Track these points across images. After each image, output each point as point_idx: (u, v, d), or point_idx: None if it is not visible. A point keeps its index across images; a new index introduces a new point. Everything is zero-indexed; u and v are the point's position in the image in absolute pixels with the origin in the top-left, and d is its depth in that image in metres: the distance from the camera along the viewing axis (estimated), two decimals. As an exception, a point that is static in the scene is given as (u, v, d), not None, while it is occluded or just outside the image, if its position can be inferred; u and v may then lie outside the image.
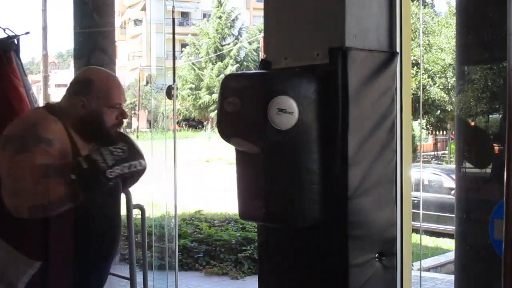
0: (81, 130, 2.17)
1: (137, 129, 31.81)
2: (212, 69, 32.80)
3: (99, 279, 2.27)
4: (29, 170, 1.88)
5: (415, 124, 17.29)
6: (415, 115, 11.56)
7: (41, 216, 1.92)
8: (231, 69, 31.50)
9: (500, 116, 3.57)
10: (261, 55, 24.73)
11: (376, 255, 2.08)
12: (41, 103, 2.89)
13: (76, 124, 2.17)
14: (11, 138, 1.99)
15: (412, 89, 2.41)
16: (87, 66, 6.68)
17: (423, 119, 19.59)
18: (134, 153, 1.91)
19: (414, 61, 15.03)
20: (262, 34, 2.26)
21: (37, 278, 2.02)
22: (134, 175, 1.99)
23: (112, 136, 2.18)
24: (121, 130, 2.25)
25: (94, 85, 2.18)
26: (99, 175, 1.83)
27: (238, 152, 2.17)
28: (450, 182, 10.94)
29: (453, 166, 12.60)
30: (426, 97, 19.20)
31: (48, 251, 2.03)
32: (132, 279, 3.16)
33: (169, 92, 4.74)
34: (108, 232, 2.22)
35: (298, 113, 1.95)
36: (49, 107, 2.24)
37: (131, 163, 1.87)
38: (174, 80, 4.79)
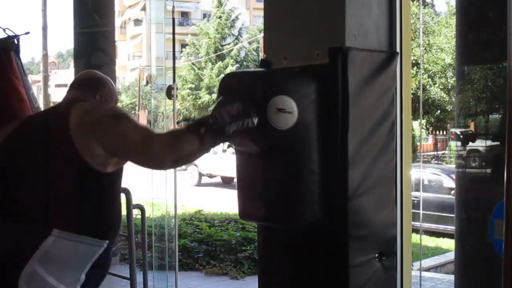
0: None
1: (137, 129, 31.65)
2: (212, 69, 32.79)
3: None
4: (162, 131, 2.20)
5: (415, 124, 17.29)
6: (415, 115, 11.56)
7: (180, 166, 2.31)
8: (231, 69, 31.49)
9: (500, 116, 3.57)
10: (261, 55, 24.73)
11: (376, 255, 2.08)
12: (41, 103, 2.90)
13: None
14: (121, 112, 2.18)
15: (412, 89, 2.41)
16: (85, 70, 6.79)
17: (423, 119, 19.59)
18: (247, 111, 2.02)
19: (414, 61, 15.03)
20: (262, 34, 2.26)
21: (102, 257, 2.18)
22: (248, 129, 2.09)
23: None
24: None
25: (105, 82, 2.41)
26: (221, 130, 2.00)
27: (238, 152, 2.17)
28: (450, 182, 10.93)
29: (453, 166, 12.60)
30: (426, 97, 19.20)
31: (110, 229, 2.24)
32: (132, 279, 3.16)
33: (169, 92, 4.74)
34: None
35: (298, 113, 1.95)
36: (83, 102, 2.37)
37: (244, 120, 2.00)
38: (174, 80, 4.79)
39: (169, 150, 2.04)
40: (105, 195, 2.19)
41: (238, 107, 2.01)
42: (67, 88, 2.43)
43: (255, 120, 2.01)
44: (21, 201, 2.15)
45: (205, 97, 32.37)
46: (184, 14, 40.81)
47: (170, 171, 4.68)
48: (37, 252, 2.05)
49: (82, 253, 2.12)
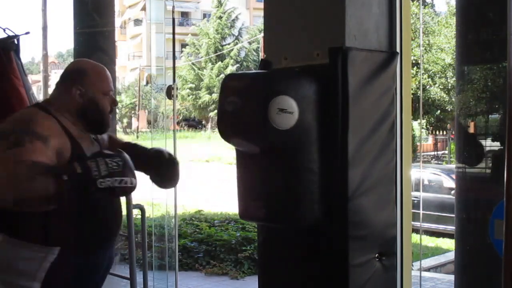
0: (79, 119, 2.22)
1: (137, 129, 31.80)
2: (212, 69, 32.80)
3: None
4: (20, 164, 1.89)
5: (415, 124, 17.28)
6: (415, 115, 11.56)
7: (26, 210, 1.98)
8: (231, 69, 31.50)
9: (500, 116, 3.57)
10: (261, 55, 24.73)
11: (376, 255, 2.08)
12: (41, 103, 2.89)
13: (74, 115, 2.21)
14: (4, 133, 1.99)
15: (412, 89, 2.41)
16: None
17: (423, 119, 19.59)
18: (127, 170, 1.94)
19: (414, 61, 15.02)
20: (262, 34, 2.26)
21: (57, 264, 2.07)
22: (123, 191, 2.01)
23: (108, 124, 2.31)
24: (119, 135, 2.30)
25: (88, 73, 2.26)
26: (90, 182, 1.86)
27: (238, 152, 2.17)
28: (450, 182, 10.94)
29: (453, 166, 12.60)
30: (426, 97, 19.19)
31: (63, 236, 2.09)
32: (132, 279, 3.16)
33: (169, 92, 4.74)
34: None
35: (298, 113, 1.95)
36: (40, 106, 2.26)
37: (122, 178, 1.89)
38: (174, 80, 4.79)
39: (14, 187, 1.87)
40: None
41: (119, 163, 1.89)
42: None
43: (134, 183, 1.92)
44: None
45: (205, 97, 32.38)
46: (184, 14, 40.81)
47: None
48: None
49: (25, 260, 2.03)
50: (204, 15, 38.61)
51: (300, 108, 1.95)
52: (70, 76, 2.27)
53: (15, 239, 2.05)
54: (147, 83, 35.37)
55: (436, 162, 22.25)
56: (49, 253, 2.05)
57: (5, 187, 1.86)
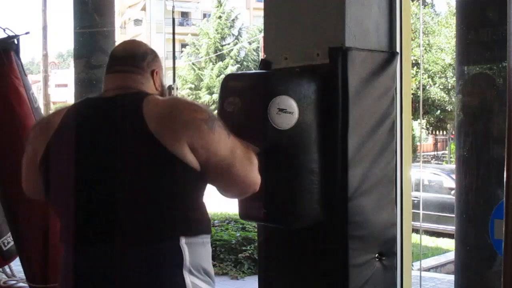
0: None
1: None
2: (212, 69, 32.79)
3: None
4: (248, 148, 1.83)
5: (415, 124, 17.29)
6: (415, 115, 11.56)
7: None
8: (231, 69, 31.50)
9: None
10: (261, 55, 24.73)
11: (376, 255, 2.08)
12: (41, 103, 2.89)
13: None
14: (210, 113, 1.76)
15: (412, 89, 2.41)
16: (84, 69, 6.72)
17: (423, 119, 19.59)
18: None
19: (414, 61, 15.02)
20: (262, 34, 2.26)
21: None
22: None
23: None
24: None
25: (153, 52, 1.94)
26: None
27: (238, 152, 2.17)
28: (450, 182, 10.94)
29: (453, 166, 12.60)
30: (426, 97, 19.19)
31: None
32: (132, 279, 3.15)
33: (169, 92, 4.74)
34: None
35: (298, 113, 1.95)
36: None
37: None
38: (174, 80, 4.79)
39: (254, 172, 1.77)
40: (201, 187, 1.75)
41: None
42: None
43: None
44: (120, 213, 1.68)
45: (205, 97, 32.37)
46: (184, 14, 40.81)
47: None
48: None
49: (209, 254, 1.80)
50: (204, 15, 38.61)
51: (300, 108, 1.95)
52: (140, 57, 1.87)
53: (194, 237, 1.74)
54: (147, 83, 35.31)
55: (436, 162, 22.25)
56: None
57: (252, 173, 1.76)
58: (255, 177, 1.78)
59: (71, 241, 1.73)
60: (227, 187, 1.82)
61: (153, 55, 1.90)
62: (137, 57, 1.85)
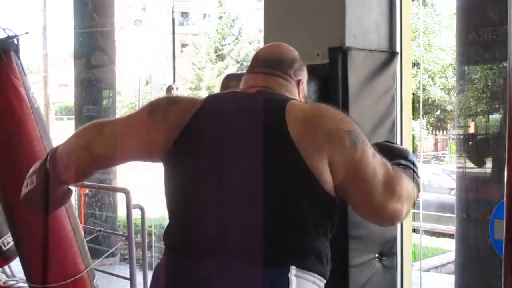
0: None
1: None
2: (212, 69, 32.80)
3: None
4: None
5: (415, 124, 17.25)
6: (415, 115, 11.55)
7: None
8: (232, 69, 31.51)
9: (500, 116, 3.57)
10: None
11: (376, 255, 2.08)
12: (41, 103, 2.89)
13: None
14: (356, 128, 1.52)
15: (412, 89, 2.41)
16: (86, 69, 6.72)
17: (423, 119, 19.59)
18: None
19: (414, 61, 15.02)
20: (262, 34, 2.25)
21: None
22: None
23: None
24: None
25: (299, 60, 1.73)
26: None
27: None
28: (450, 182, 10.94)
29: (453, 166, 12.60)
30: (426, 97, 19.19)
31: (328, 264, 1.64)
32: (132, 279, 3.16)
33: (169, 92, 4.75)
34: None
35: (298, 113, 1.94)
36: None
37: None
38: (174, 80, 4.80)
39: (409, 205, 1.53)
40: (330, 221, 1.55)
41: None
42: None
43: None
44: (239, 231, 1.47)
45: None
46: (184, 14, 40.81)
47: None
48: None
49: None
50: (204, 15, 38.60)
51: (300, 108, 1.94)
52: (286, 63, 1.68)
53: (306, 272, 1.50)
54: (147, 83, 35.39)
55: (436, 162, 22.24)
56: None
57: (392, 205, 1.51)
58: (394, 210, 1.51)
59: (179, 245, 1.54)
60: (359, 213, 1.60)
61: (301, 63, 1.69)
62: (285, 63, 1.65)
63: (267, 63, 1.65)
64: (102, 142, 1.65)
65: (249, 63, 1.69)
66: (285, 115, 1.47)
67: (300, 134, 1.45)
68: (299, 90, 1.67)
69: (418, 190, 1.62)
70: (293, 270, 1.45)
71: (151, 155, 1.60)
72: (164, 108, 1.59)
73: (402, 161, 1.65)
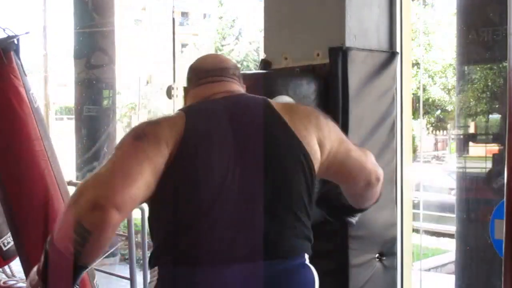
0: None
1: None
2: (212, 69, 32.82)
3: None
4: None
5: (415, 124, 17.24)
6: (415, 115, 11.54)
7: None
8: (231, 69, 31.51)
9: (500, 116, 3.57)
10: (261, 55, 24.71)
11: (376, 255, 2.08)
12: (41, 103, 2.89)
13: None
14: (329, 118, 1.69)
15: (412, 89, 2.41)
16: (85, 69, 6.71)
17: (423, 119, 19.59)
18: None
19: (414, 61, 15.02)
20: (262, 34, 2.26)
21: None
22: None
23: None
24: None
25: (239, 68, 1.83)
26: None
27: (238, 152, 2.16)
28: (450, 182, 10.93)
29: (453, 166, 12.60)
30: (426, 97, 19.19)
31: None
32: (132, 279, 3.16)
33: (169, 92, 4.75)
34: None
35: (298, 113, 1.94)
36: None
37: None
38: (174, 80, 4.80)
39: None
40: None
41: None
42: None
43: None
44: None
45: (205, 97, 32.37)
46: (184, 14, 40.83)
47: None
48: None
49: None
50: (204, 15, 38.62)
51: (300, 108, 1.94)
52: (237, 72, 1.77)
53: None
54: (147, 83, 35.40)
55: (436, 162, 22.23)
56: None
57: (370, 159, 1.70)
58: (374, 164, 1.69)
59: (204, 256, 1.45)
60: (350, 178, 1.69)
61: (239, 69, 1.76)
62: (232, 70, 1.71)
63: (217, 72, 1.69)
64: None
65: (189, 76, 1.73)
66: (275, 108, 1.56)
67: (294, 123, 1.54)
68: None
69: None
70: (307, 258, 1.55)
71: (157, 177, 1.47)
72: (151, 129, 1.52)
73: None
